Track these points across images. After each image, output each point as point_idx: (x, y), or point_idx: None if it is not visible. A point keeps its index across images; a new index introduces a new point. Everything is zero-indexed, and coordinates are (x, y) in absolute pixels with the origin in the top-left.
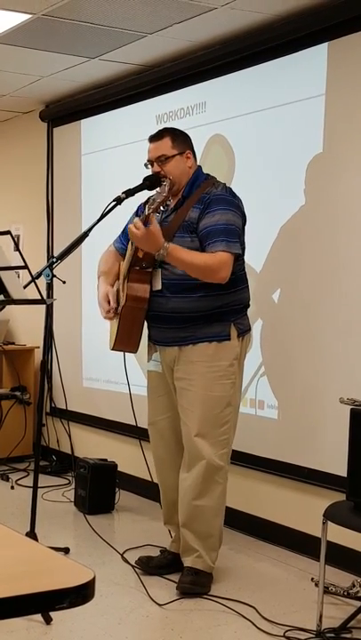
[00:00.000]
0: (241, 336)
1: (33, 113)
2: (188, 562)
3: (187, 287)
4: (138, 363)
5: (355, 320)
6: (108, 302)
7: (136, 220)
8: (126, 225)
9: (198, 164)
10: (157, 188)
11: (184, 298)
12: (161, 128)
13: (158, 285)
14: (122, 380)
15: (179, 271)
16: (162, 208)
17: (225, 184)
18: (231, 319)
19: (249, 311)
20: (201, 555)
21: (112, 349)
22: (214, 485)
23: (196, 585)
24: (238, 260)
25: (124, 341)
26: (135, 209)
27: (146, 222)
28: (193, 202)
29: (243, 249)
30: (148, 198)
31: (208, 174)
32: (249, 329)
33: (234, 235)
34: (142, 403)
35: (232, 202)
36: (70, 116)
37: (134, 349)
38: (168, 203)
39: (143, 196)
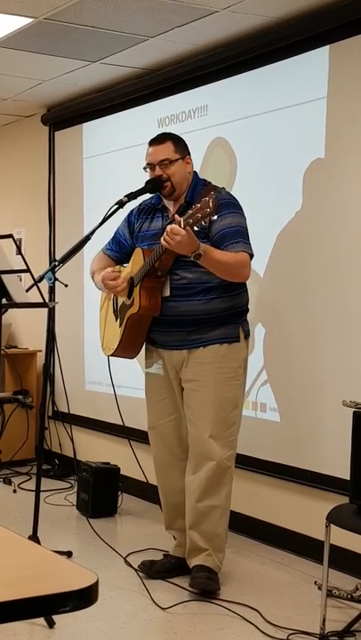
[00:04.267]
0: (246, 338)
1: (34, 117)
2: (198, 560)
3: (197, 290)
4: (139, 365)
5: (356, 323)
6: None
7: (172, 226)
8: (116, 232)
9: (199, 168)
10: (198, 204)
11: (195, 301)
12: (161, 132)
13: (167, 292)
14: (124, 384)
15: (188, 275)
16: (203, 223)
17: (224, 188)
18: (238, 321)
19: (251, 314)
20: (210, 553)
21: (111, 355)
22: (222, 486)
23: (211, 580)
24: None
25: (127, 348)
26: (127, 216)
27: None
28: None
29: None
30: (140, 204)
31: (205, 179)
32: (250, 332)
33: (246, 237)
34: (139, 404)
35: (238, 205)
36: (72, 120)
37: (134, 355)
38: (213, 218)
39: (142, 201)
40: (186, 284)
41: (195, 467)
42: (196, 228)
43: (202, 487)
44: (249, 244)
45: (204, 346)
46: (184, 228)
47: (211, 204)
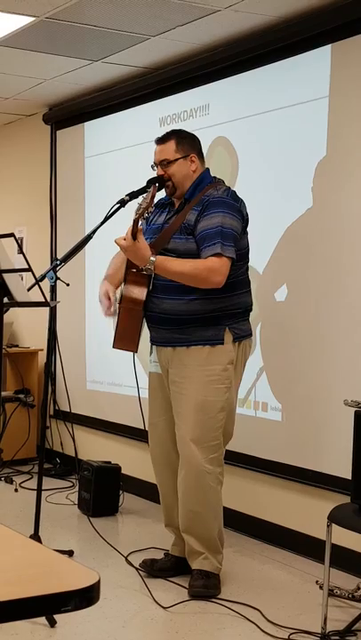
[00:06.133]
0: (237, 341)
1: (36, 116)
2: (195, 564)
3: (179, 289)
4: (141, 364)
5: (359, 321)
6: (109, 300)
7: (127, 231)
8: None
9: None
10: (143, 195)
11: (176, 300)
12: (169, 130)
13: (150, 287)
14: (125, 383)
15: None
16: (146, 214)
17: (228, 187)
18: (226, 323)
19: (252, 313)
20: (207, 556)
21: (113, 347)
22: (207, 490)
23: (209, 588)
24: (236, 263)
25: (123, 341)
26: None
27: (135, 235)
28: (193, 204)
29: (245, 253)
30: (158, 200)
31: (215, 177)
32: (249, 334)
33: (229, 238)
34: (144, 405)
35: (231, 205)
36: (74, 119)
37: (134, 349)
38: (151, 210)
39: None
40: (167, 280)
41: (180, 470)
42: (141, 220)
43: (187, 493)
44: (229, 245)
45: (187, 346)
46: (135, 224)
47: (151, 193)
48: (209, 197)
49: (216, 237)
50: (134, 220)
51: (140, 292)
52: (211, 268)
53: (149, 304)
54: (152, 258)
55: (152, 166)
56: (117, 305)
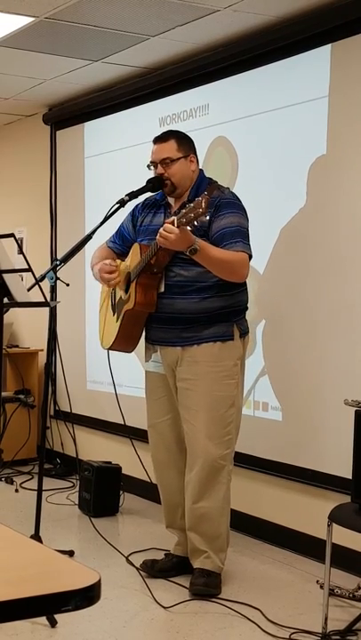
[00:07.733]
0: (243, 336)
1: (36, 116)
2: (197, 563)
3: (193, 289)
4: (140, 363)
5: (358, 321)
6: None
7: (166, 225)
8: (120, 225)
9: (201, 166)
10: (191, 204)
11: (190, 299)
12: (166, 130)
13: (162, 288)
14: (126, 383)
15: (184, 272)
16: (196, 223)
17: (229, 188)
18: (234, 319)
19: (252, 313)
20: (209, 555)
21: (108, 349)
22: (218, 486)
23: (209, 587)
24: None
25: (124, 342)
26: (132, 210)
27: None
28: None
29: None
30: (145, 199)
31: (210, 178)
32: (248, 330)
33: (246, 237)
34: (142, 404)
35: (240, 206)
36: (73, 119)
37: (131, 350)
38: (204, 219)
39: (148, 196)
40: (181, 281)
41: (190, 466)
42: (189, 228)
43: (197, 488)
44: (248, 244)
45: (198, 344)
46: (177, 227)
47: (203, 204)
48: (219, 198)
49: (236, 235)
50: (178, 226)
51: (152, 295)
52: (243, 261)
53: (159, 305)
54: (197, 240)
55: (148, 166)
56: (112, 307)
